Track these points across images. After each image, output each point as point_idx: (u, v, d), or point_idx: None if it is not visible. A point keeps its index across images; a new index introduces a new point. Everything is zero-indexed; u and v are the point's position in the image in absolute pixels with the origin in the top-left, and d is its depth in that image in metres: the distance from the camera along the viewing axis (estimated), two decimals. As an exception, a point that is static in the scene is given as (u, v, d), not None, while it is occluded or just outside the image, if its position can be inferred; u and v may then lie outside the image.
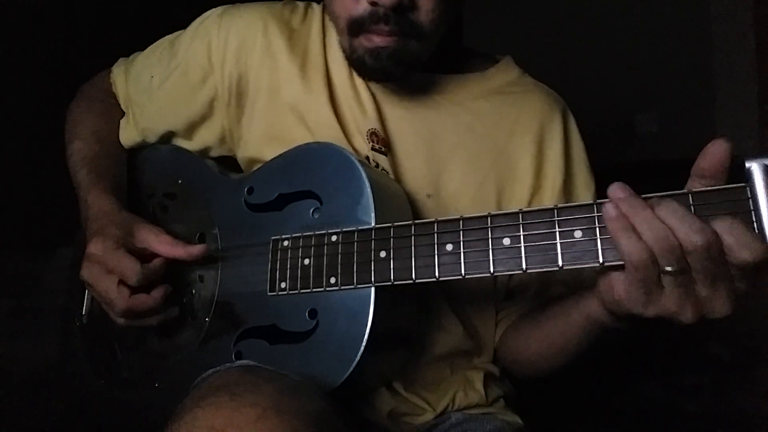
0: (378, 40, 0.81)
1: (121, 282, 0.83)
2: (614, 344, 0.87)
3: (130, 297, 0.83)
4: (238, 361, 0.81)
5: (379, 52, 0.81)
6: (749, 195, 0.58)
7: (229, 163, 1.02)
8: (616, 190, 0.61)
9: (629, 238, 0.59)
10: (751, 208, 0.58)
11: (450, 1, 0.82)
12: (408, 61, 0.83)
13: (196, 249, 0.87)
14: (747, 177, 0.58)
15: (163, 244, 0.86)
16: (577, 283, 0.90)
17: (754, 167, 0.57)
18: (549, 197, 0.94)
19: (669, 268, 0.58)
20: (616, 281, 0.63)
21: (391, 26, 0.79)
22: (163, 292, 0.86)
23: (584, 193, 0.97)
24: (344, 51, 0.87)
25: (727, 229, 0.57)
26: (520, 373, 0.98)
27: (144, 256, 0.86)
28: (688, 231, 0.57)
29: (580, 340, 0.81)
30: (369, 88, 0.92)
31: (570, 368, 0.91)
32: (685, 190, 0.61)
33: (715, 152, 0.60)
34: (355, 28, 0.81)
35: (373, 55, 0.82)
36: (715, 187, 0.60)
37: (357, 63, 0.85)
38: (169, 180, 1.01)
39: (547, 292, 0.95)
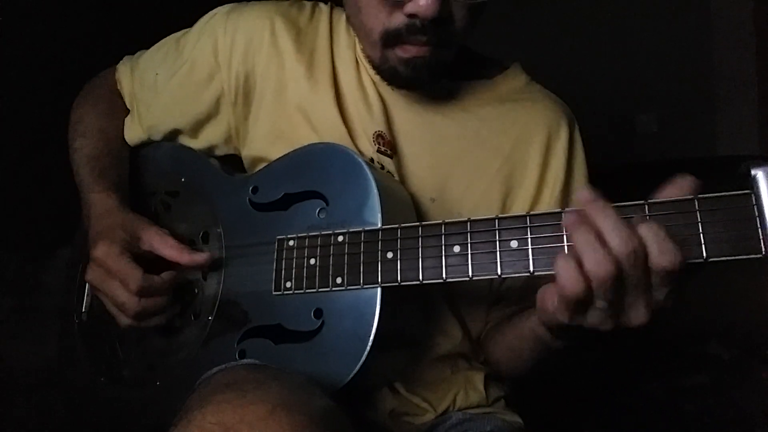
0: (415, 51, 0.81)
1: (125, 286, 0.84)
2: (562, 365, 0.91)
3: (141, 300, 0.83)
4: (243, 360, 0.81)
5: (416, 62, 0.82)
6: (754, 202, 0.58)
7: (231, 162, 1.02)
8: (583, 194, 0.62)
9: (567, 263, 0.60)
10: (756, 215, 0.58)
11: (479, 10, 0.82)
12: (441, 70, 0.85)
13: (201, 257, 0.87)
14: (752, 184, 0.58)
15: (167, 248, 0.87)
16: None
17: (760, 174, 0.57)
18: (546, 206, 0.94)
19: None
20: (549, 294, 0.65)
21: (429, 37, 0.79)
22: (169, 294, 0.87)
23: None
24: (372, 61, 0.88)
25: (652, 237, 0.58)
26: (493, 372, 0.99)
27: (150, 259, 0.86)
28: (618, 240, 0.59)
29: (529, 353, 0.86)
30: (377, 90, 0.92)
31: (534, 376, 0.95)
32: (690, 196, 0.61)
33: (682, 186, 0.62)
34: (390, 39, 0.81)
35: (409, 65, 0.82)
36: (721, 194, 0.60)
37: (389, 72, 0.86)
38: (172, 178, 1.01)
39: (527, 300, 0.96)
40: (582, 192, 0.62)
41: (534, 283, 0.92)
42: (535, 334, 0.80)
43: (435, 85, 0.91)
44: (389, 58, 0.84)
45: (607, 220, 0.60)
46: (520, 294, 0.94)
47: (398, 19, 0.79)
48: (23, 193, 1.60)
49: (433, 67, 0.83)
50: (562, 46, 2.77)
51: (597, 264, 0.59)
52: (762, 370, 1.71)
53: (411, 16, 0.78)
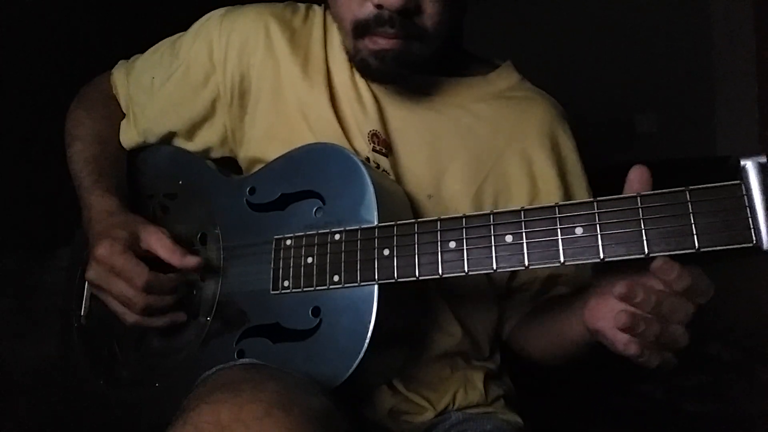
0: (383, 43, 0.82)
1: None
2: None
3: (147, 296, 0.83)
4: (242, 359, 0.81)
5: (384, 55, 0.82)
6: (744, 192, 0.59)
7: (228, 164, 1.02)
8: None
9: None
10: (746, 204, 0.58)
11: (454, 5, 0.82)
12: (411, 63, 0.84)
13: (192, 261, 0.86)
14: (742, 175, 0.59)
15: (162, 248, 0.86)
16: (580, 285, 0.91)
17: (749, 165, 0.58)
18: (542, 203, 0.94)
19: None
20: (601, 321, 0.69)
21: (396, 29, 0.80)
22: (176, 291, 0.88)
23: (581, 196, 0.97)
24: (348, 52, 0.89)
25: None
26: (536, 364, 0.99)
27: (150, 258, 0.86)
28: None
29: (579, 345, 0.85)
30: (371, 89, 0.93)
31: (578, 364, 0.93)
32: (683, 188, 0.61)
33: (638, 177, 0.66)
34: (359, 30, 0.82)
35: (378, 57, 0.83)
36: (711, 185, 0.60)
37: (361, 64, 0.86)
38: (170, 180, 1.01)
39: (551, 292, 0.97)
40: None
41: (554, 277, 0.94)
42: (586, 341, 0.80)
43: (410, 78, 0.91)
44: (360, 49, 0.84)
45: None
46: (538, 288, 0.96)
47: (367, 9, 0.80)
48: (23, 193, 1.61)
49: (404, 61, 0.83)
50: (563, 46, 2.78)
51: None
52: (762, 371, 1.71)
53: (378, 6, 0.79)
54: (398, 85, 0.92)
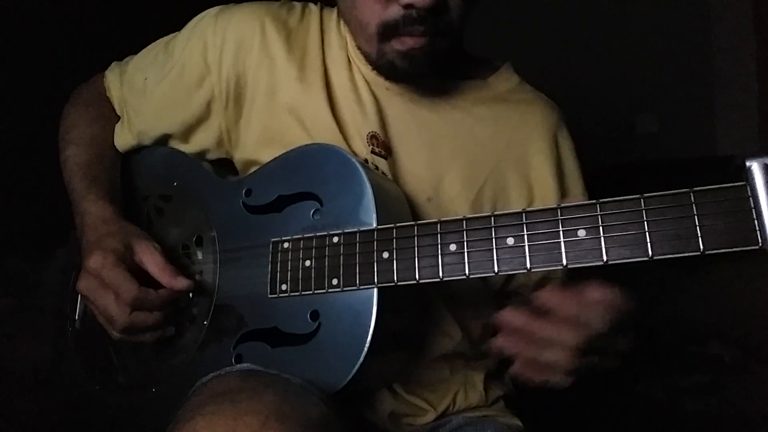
0: (412, 42, 0.81)
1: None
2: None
3: (131, 314, 0.82)
4: (239, 365, 0.80)
5: (414, 54, 0.82)
6: (749, 194, 0.58)
7: (224, 165, 1.01)
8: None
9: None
10: (752, 206, 0.58)
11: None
12: (438, 59, 0.85)
13: (181, 283, 0.85)
14: (747, 176, 0.58)
15: (153, 265, 0.85)
16: None
17: (755, 166, 0.58)
18: (539, 206, 0.94)
19: None
20: None
21: (426, 27, 0.80)
22: (164, 313, 0.85)
23: (577, 197, 0.97)
24: (368, 56, 0.88)
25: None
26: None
27: (144, 271, 0.85)
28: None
29: None
30: (371, 90, 0.92)
31: None
32: (687, 190, 0.61)
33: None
34: (387, 32, 0.81)
35: (407, 58, 0.83)
36: (716, 186, 0.60)
37: (387, 67, 0.86)
38: (165, 182, 1.00)
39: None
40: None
41: (548, 276, 0.93)
42: None
43: (434, 74, 0.90)
44: (386, 52, 0.84)
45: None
46: (535, 290, 0.95)
47: (394, 10, 0.79)
48: (23, 194, 1.60)
49: (431, 58, 0.83)
50: (563, 47, 2.77)
51: None
52: (762, 371, 1.71)
53: (407, 6, 0.78)
54: (399, 86, 0.92)
